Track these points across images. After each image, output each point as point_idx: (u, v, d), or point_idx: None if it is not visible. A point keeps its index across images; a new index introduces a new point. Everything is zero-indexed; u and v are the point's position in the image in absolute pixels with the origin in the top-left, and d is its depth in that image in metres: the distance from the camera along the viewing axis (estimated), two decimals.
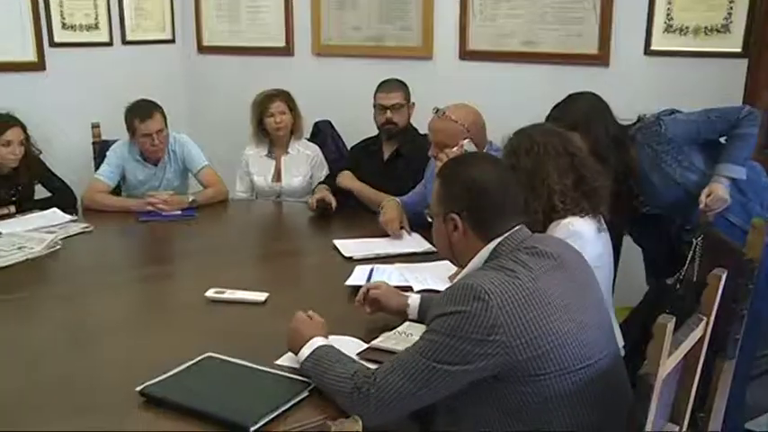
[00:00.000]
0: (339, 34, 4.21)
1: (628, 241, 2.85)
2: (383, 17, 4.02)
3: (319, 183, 3.52)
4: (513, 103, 3.50)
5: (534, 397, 1.54)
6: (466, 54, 3.81)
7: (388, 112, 3.34)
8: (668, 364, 1.49)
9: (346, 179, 3.40)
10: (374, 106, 3.41)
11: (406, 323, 2.04)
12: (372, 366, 1.67)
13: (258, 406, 1.58)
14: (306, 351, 1.73)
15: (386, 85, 3.40)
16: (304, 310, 1.89)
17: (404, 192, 3.09)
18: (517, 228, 1.70)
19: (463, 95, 2.91)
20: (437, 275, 2.38)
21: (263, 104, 3.62)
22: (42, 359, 1.96)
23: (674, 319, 1.42)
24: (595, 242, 2.11)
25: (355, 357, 1.81)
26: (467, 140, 2.70)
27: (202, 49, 4.76)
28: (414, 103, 3.42)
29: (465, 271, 1.74)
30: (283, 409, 1.60)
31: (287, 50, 4.39)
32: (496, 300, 1.51)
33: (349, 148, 3.79)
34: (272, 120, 3.60)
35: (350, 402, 1.59)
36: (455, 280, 1.73)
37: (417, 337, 1.90)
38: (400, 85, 3.40)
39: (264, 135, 3.68)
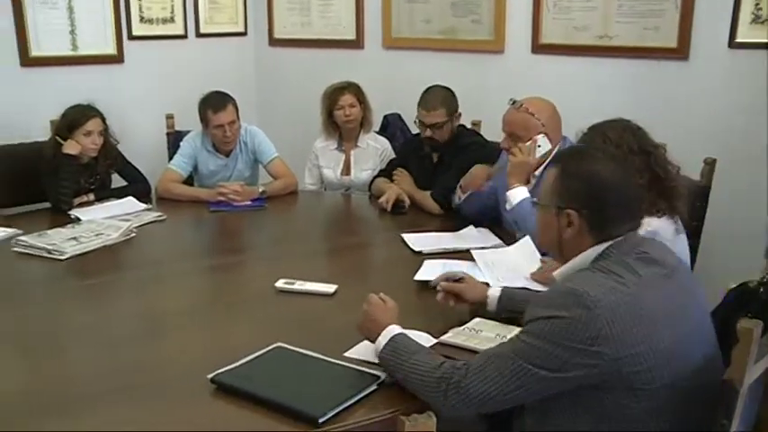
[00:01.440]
0: (409, 27, 4.19)
1: (704, 242, 2.76)
2: (455, 10, 3.98)
3: (378, 175, 3.48)
4: (586, 98, 3.43)
5: (633, 408, 1.48)
6: (538, 48, 3.74)
7: (428, 130, 3.21)
8: (755, 370, 1.43)
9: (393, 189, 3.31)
10: (416, 117, 3.29)
11: (477, 319, 2.02)
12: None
13: (327, 397, 1.59)
14: (383, 340, 1.72)
15: (427, 100, 3.22)
16: (375, 293, 1.87)
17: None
18: (631, 232, 1.63)
19: (535, 90, 2.85)
20: (513, 272, 2.34)
21: (332, 97, 3.63)
22: (118, 344, 2.01)
23: (762, 324, 1.36)
24: (672, 243, 2.04)
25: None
26: (541, 135, 2.65)
27: (274, 41, 4.81)
28: (460, 114, 3.27)
29: (565, 269, 1.68)
30: (352, 401, 1.60)
31: (357, 43, 4.40)
32: (603, 309, 1.44)
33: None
34: (341, 112, 3.61)
35: (433, 394, 1.57)
36: (556, 274, 1.70)
37: (487, 334, 1.90)
38: (443, 100, 3.21)
39: (334, 128, 3.70)
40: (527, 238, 2.47)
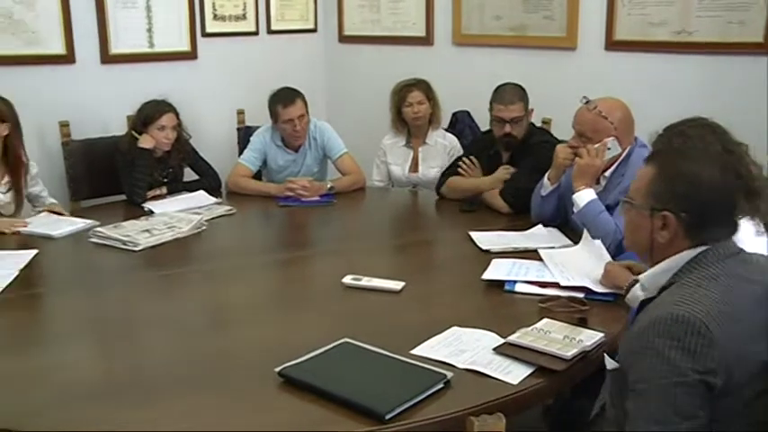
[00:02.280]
0: (479, 24, 4.15)
1: None
2: (526, 6, 3.92)
3: (445, 173, 3.43)
4: (662, 96, 3.34)
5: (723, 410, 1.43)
6: (612, 44, 3.65)
7: (507, 125, 3.15)
8: None
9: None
10: (490, 115, 3.24)
11: (545, 320, 1.98)
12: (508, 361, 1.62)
13: (393, 394, 1.58)
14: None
15: (503, 95, 3.18)
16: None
17: None
18: (728, 237, 1.57)
19: (608, 88, 2.79)
20: (582, 273, 2.28)
21: (401, 94, 3.63)
22: (188, 334, 2.05)
23: None
24: (752, 246, 1.96)
25: (491, 351, 1.80)
26: (612, 138, 2.59)
27: (343, 38, 4.83)
28: (532, 109, 3.24)
29: (653, 273, 1.62)
30: (419, 399, 1.59)
31: (427, 40, 4.38)
32: (717, 331, 1.38)
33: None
34: (409, 109, 3.60)
35: None
36: (642, 279, 1.65)
37: (555, 335, 1.86)
38: (519, 94, 3.18)
39: (402, 124, 3.69)
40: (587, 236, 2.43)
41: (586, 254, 2.42)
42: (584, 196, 2.59)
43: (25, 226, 2.93)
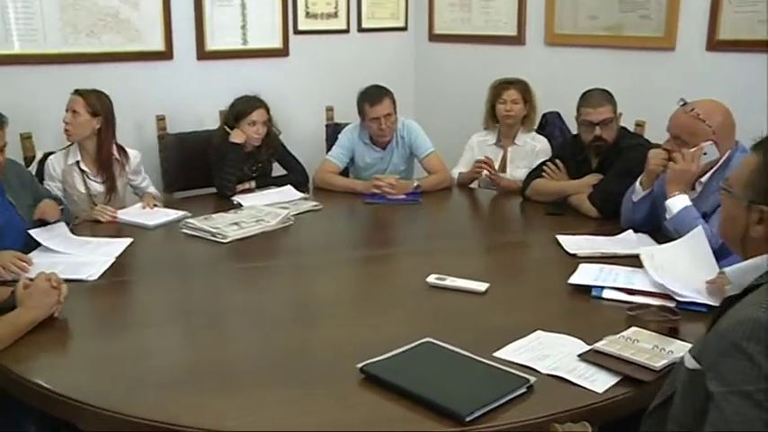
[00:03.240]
0: (573, 23, 4.06)
1: None
2: (622, 5, 3.81)
3: (530, 175, 3.37)
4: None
5: None
6: (715, 44, 3.49)
7: (597, 128, 3.06)
8: None
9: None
10: (578, 121, 3.16)
11: (633, 329, 1.91)
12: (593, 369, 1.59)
13: (474, 396, 1.56)
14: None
15: (591, 99, 3.10)
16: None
17: None
18: None
19: (709, 91, 2.68)
20: (685, 280, 2.18)
21: (497, 90, 3.59)
22: (272, 326, 2.08)
23: None
24: None
25: (575, 357, 1.76)
26: (709, 143, 2.49)
27: (433, 37, 4.82)
28: (620, 113, 3.14)
29: (743, 266, 1.53)
30: (500, 402, 1.56)
31: (518, 39, 4.31)
32: None
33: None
34: (502, 107, 3.56)
35: None
36: (729, 272, 1.58)
37: (644, 345, 1.80)
38: (607, 97, 3.10)
39: (494, 121, 3.65)
40: (699, 231, 2.33)
41: (691, 254, 2.31)
42: (678, 202, 2.50)
43: (115, 214, 3.03)
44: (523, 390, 1.61)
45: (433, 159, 3.63)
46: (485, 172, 3.48)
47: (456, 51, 4.67)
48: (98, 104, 3.13)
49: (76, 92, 3.14)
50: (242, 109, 3.47)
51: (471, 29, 4.58)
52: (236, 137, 3.45)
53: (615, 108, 3.12)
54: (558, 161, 3.25)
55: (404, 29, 4.89)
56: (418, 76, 4.92)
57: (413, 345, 1.80)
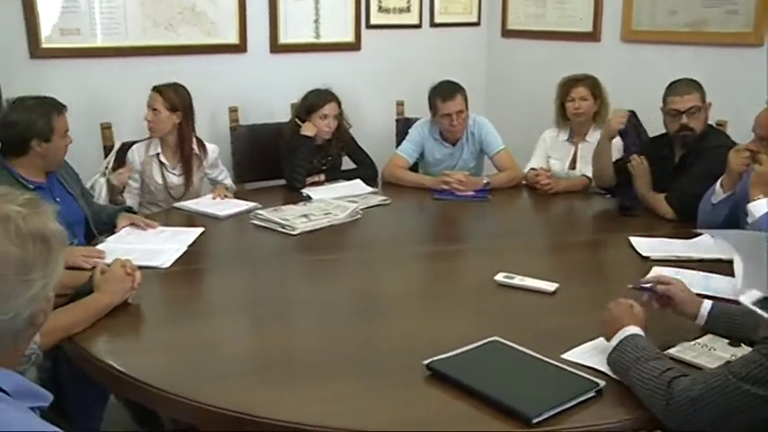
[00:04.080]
0: (651, 19, 3.94)
1: None
2: (705, 0, 3.68)
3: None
4: None
5: None
6: None
7: (684, 117, 2.96)
8: None
9: None
10: (664, 111, 3.07)
11: (709, 336, 1.85)
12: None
13: (542, 398, 1.54)
14: (615, 340, 1.65)
15: (678, 87, 3.01)
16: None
17: None
18: None
19: None
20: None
21: (565, 88, 3.53)
22: (338, 319, 2.09)
23: None
24: None
25: None
26: None
27: (506, 32, 4.75)
28: (710, 103, 3.03)
29: None
30: (568, 405, 1.53)
31: (594, 36, 4.21)
32: None
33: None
34: (571, 104, 3.49)
35: (655, 402, 1.49)
36: None
37: (720, 353, 1.74)
38: (695, 86, 3.00)
39: (565, 119, 3.58)
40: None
41: None
42: (761, 206, 2.40)
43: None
44: (592, 393, 1.58)
45: (504, 156, 3.58)
46: (542, 181, 3.41)
47: (529, 47, 4.60)
48: (176, 99, 3.19)
49: (155, 89, 3.21)
50: (314, 102, 3.50)
51: (545, 25, 4.51)
52: (308, 130, 3.47)
53: (703, 97, 3.01)
54: (642, 158, 3.16)
55: (476, 24, 4.84)
56: (490, 72, 4.87)
57: (480, 343, 1.78)
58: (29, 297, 1.08)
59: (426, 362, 1.67)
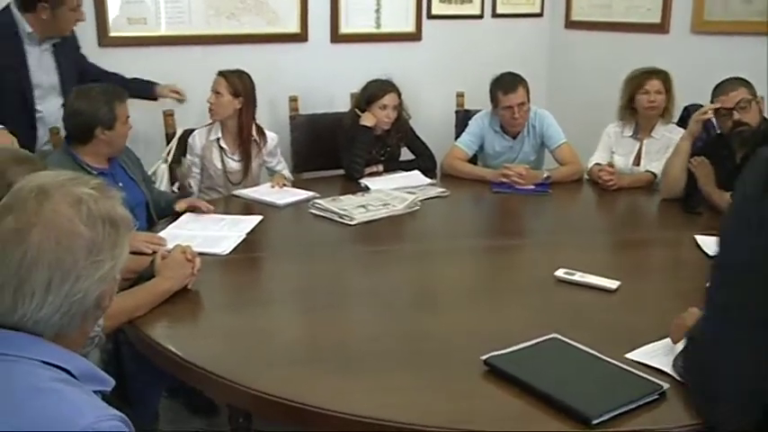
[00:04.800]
0: (724, 9, 3.81)
1: None
2: None
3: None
4: None
5: None
6: None
7: (734, 113, 2.88)
8: None
9: None
10: (716, 114, 2.99)
11: None
12: None
13: (603, 399, 1.50)
14: (681, 344, 1.59)
15: (723, 86, 2.95)
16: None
17: None
18: None
19: None
20: None
21: (638, 80, 3.39)
22: (394, 311, 2.07)
23: None
24: None
25: None
26: None
27: (570, 23, 4.66)
28: (762, 97, 2.93)
29: None
30: (630, 407, 1.49)
31: (661, 27, 4.09)
32: None
33: None
34: (645, 97, 3.36)
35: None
36: None
37: None
38: (741, 82, 2.92)
39: (631, 113, 3.47)
40: None
41: None
42: None
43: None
44: (656, 396, 1.53)
45: (565, 150, 3.52)
46: (604, 176, 3.34)
47: (593, 39, 4.50)
48: (239, 85, 3.22)
49: (220, 73, 3.25)
50: (374, 92, 3.49)
51: (611, 16, 4.40)
52: (367, 120, 3.46)
53: (753, 91, 2.93)
54: (702, 158, 3.07)
55: (539, 15, 4.76)
56: (552, 65, 4.79)
57: (539, 340, 1.74)
58: (97, 278, 1.09)
59: (484, 357, 1.65)
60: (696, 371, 1.45)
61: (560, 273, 2.22)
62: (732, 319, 1.31)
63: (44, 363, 1.06)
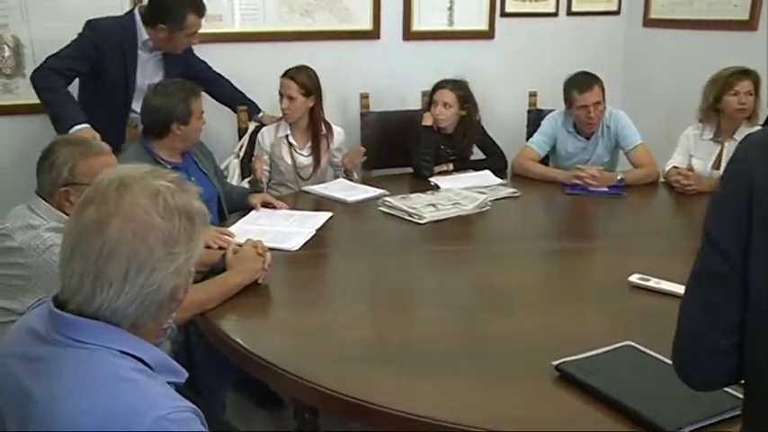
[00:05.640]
0: None
1: None
2: None
3: None
4: None
5: None
6: None
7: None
8: None
9: None
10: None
11: None
12: None
13: (682, 412, 1.44)
14: None
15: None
16: None
17: None
18: None
19: None
20: None
21: (729, 80, 3.23)
22: (462, 312, 2.05)
23: None
24: None
25: None
26: None
27: (648, 21, 4.52)
28: None
29: None
30: (710, 422, 1.43)
31: (748, 24, 3.91)
32: None
33: None
34: (735, 99, 3.22)
35: None
36: None
37: None
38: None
39: (715, 114, 3.34)
40: None
41: None
42: None
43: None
44: (737, 411, 1.46)
45: (641, 152, 3.42)
46: (682, 181, 3.23)
47: (673, 38, 4.35)
48: (309, 83, 3.23)
49: (287, 75, 3.23)
50: (431, 91, 3.49)
51: (693, 13, 4.24)
52: (426, 120, 3.48)
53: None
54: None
55: (616, 12, 4.64)
56: (629, 64, 4.66)
57: (612, 347, 1.70)
58: (172, 270, 1.10)
59: (556, 363, 1.61)
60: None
61: (634, 278, 2.15)
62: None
63: (122, 352, 1.08)
